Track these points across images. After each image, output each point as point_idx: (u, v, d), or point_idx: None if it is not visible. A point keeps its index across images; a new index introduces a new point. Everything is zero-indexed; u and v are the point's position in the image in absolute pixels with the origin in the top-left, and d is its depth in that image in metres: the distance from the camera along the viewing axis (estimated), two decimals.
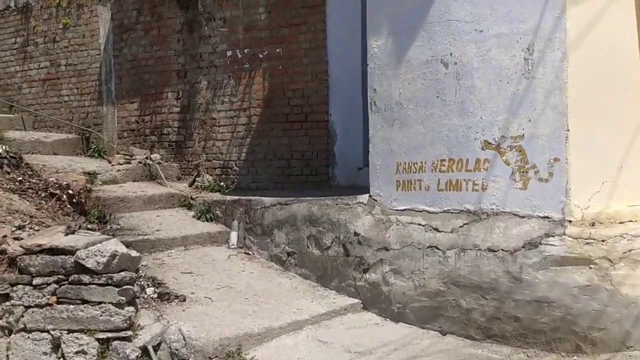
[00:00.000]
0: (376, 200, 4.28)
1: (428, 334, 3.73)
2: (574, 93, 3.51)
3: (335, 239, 4.46)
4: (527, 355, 3.34)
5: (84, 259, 3.49)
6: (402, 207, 4.10)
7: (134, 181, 6.79)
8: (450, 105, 3.86)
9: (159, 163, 7.09)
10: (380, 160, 4.28)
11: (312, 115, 6.33)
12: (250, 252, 5.25)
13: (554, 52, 3.53)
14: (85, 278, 3.50)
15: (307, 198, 4.85)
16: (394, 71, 4.17)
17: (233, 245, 5.40)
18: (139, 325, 3.58)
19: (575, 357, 3.29)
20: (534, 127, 3.57)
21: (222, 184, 6.81)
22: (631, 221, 3.54)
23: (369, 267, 4.18)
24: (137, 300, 3.71)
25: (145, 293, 3.96)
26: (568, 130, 3.48)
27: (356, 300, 4.22)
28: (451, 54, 3.86)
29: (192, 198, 6.28)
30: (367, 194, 4.36)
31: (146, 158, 7.15)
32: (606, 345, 3.27)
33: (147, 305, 3.83)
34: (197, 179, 6.95)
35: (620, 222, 3.50)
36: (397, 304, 3.97)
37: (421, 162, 3.99)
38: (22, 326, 3.53)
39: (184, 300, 4.00)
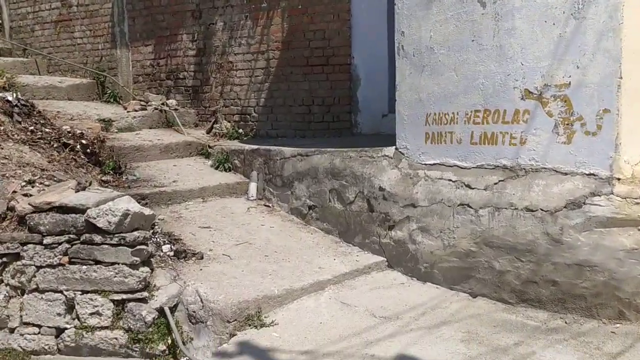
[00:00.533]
0: (403, 154, 3.99)
1: (457, 295, 3.53)
2: (628, 35, 3.12)
3: (358, 193, 4.22)
4: (566, 322, 3.12)
5: (94, 218, 3.32)
6: (432, 162, 3.81)
7: (150, 128, 6.57)
8: (487, 49, 3.48)
9: (175, 109, 6.85)
10: (407, 110, 3.95)
11: (333, 58, 5.97)
12: (270, 205, 5.06)
13: None
14: (97, 238, 3.34)
15: (328, 149, 4.58)
16: (424, 12, 3.77)
17: (252, 197, 5.20)
18: (154, 286, 3.45)
19: (617, 324, 3.06)
20: (583, 74, 3.19)
21: (240, 130, 6.57)
22: None
23: (394, 224, 3.95)
24: (152, 259, 3.56)
25: (162, 251, 3.81)
26: (621, 77, 3.11)
27: (381, 258, 4.02)
28: None
29: (209, 146, 6.06)
30: (393, 146, 4.07)
31: (162, 104, 6.90)
32: None
33: (163, 264, 3.68)
34: (214, 125, 6.70)
35: None
36: (425, 263, 3.75)
37: (453, 113, 3.66)
38: (34, 286, 3.42)
39: (202, 258, 3.84)
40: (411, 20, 3.86)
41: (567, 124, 3.24)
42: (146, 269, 3.41)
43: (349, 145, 4.93)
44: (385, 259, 4.01)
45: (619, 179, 3.12)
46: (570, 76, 3.23)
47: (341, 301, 3.47)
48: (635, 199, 3.07)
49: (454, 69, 3.63)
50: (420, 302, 3.42)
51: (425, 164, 3.85)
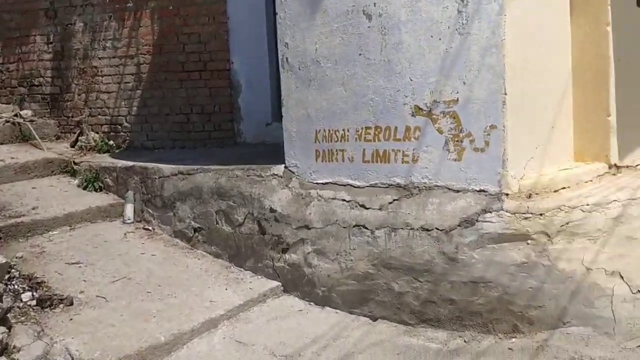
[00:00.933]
0: (293, 172, 3.79)
1: (358, 320, 3.41)
2: (510, 51, 3.15)
3: (248, 214, 3.95)
4: (465, 340, 3.12)
5: None
6: (324, 181, 3.64)
7: (1, 144, 5.75)
8: (375, 64, 3.37)
9: (31, 120, 6.06)
10: (295, 126, 3.75)
11: (211, 63, 5.60)
12: (150, 228, 4.62)
13: (491, 3, 3.10)
14: None
15: (212, 167, 4.24)
16: (308, 23, 3.57)
17: (129, 219, 4.72)
18: (14, 348, 2.92)
19: (513, 339, 3.11)
20: (469, 90, 3.18)
21: (111, 142, 5.98)
22: (564, 188, 3.34)
23: (288, 247, 3.74)
24: (9, 315, 3.03)
25: (21, 301, 3.27)
26: (505, 93, 3.13)
27: (276, 283, 3.79)
28: (375, 3, 3.33)
29: (75, 163, 5.42)
30: (282, 165, 3.85)
31: (15, 115, 6.07)
32: (543, 323, 3.11)
33: (24, 318, 3.15)
34: (80, 138, 6.03)
35: (555, 191, 3.29)
36: (322, 287, 3.59)
37: (344, 130, 3.52)
38: None
39: (71, 304, 3.36)
40: (295, 32, 3.64)
41: (457, 141, 3.22)
42: (1, 328, 2.88)
43: (233, 157, 4.64)
44: (281, 284, 3.79)
45: (507, 195, 3.16)
46: (457, 92, 3.20)
47: (237, 340, 3.19)
48: (523, 213, 3.13)
49: (342, 84, 3.48)
50: (321, 333, 3.25)
51: (317, 183, 3.67)
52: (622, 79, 3.60)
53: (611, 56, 3.54)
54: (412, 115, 3.30)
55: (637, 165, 3.81)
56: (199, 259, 4.16)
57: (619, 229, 3.15)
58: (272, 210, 3.80)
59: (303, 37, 3.62)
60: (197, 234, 4.29)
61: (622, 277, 3.12)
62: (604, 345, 2.88)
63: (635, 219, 3.18)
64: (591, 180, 3.50)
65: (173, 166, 4.51)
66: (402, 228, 3.30)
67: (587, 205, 3.13)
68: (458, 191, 3.24)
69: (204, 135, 5.71)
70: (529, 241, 3.11)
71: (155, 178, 4.55)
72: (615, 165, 3.63)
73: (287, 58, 3.72)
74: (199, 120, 5.70)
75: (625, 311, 3.09)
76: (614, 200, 3.18)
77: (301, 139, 3.72)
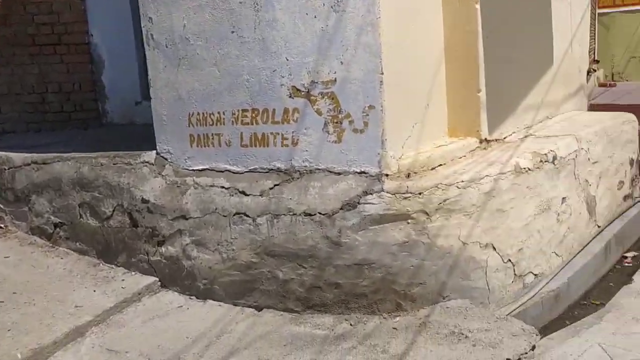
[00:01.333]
0: (166, 159, 3.50)
1: (243, 312, 3.26)
2: (386, 29, 3.09)
3: (117, 206, 3.61)
4: (351, 324, 3.10)
5: None
6: (200, 167, 3.41)
7: None
8: (250, 42, 3.16)
9: None
10: (166, 109, 3.45)
11: (66, 36, 5.03)
12: (2, 225, 4.10)
13: None
14: None
15: (73, 155, 3.82)
16: None
17: None
18: None
19: (397, 317, 3.15)
20: (347, 70, 3.09)
21: None
22: (441, 165, 3.41)
23: (165, 240, 3.48)
24: None
25: None
26: (382, 73, 3.08)
27: (152, 279, 3.53)
28: None
29: None
30: (154, 151, 3.54)
31: None
32: (425, 299, 3.18)
33: None
34: None
35: (432, 169, 3.35)
36: (203, 280, 3.39)
37: (219, 113, 3.29)
38: None
39: None
40: (159, 5, 3.32)
41: (336, 122, 3.14)
42: None
43: (99, 141, 4.23)
44: (158, 279, 3.53)
45: (387, 175, 3.15)
46: (335, 72, 3.10)
47: (108, 348, 2.91)
48: (403, 193, 3.14)
49: (215, 64, 3.24)
50: (203, 330, 3.07)
51: (193, 170, 3.43)
52: (491, 55, 3.72)
53: (479, 32, 3.63)
54: (290, 97, 3.16)
55: (504, 138, 4.00)
56: (61, 258, 3.76)
57: (490, 203, 3.27)
58: (144, 201, 3.50)
59: (169, 12, 3.31)
60: (58, 229, 3.86)
61: (494, 248, 3.27)
62: (480, 316, 3.00)
63: (505, 192, 3.33)
64: (464, 156, 3.60)
65: (26, 154, 4.00)
66: (284, 214, 3.18)
67: (462, 182, 3.21)
68: (339, 174, 3.17)
69: (63, 116, 5.16)
70: (409, 220, 3.14)
71: (5, 169, 4.02)
72: (485, 139, 3.77)
73: (152, 34, 3.39)
74: (56, 99, 5.13)
75: (498, 280, 3.26)
76: (486, 176, 3.30)
77: (173, 122, 3.44)
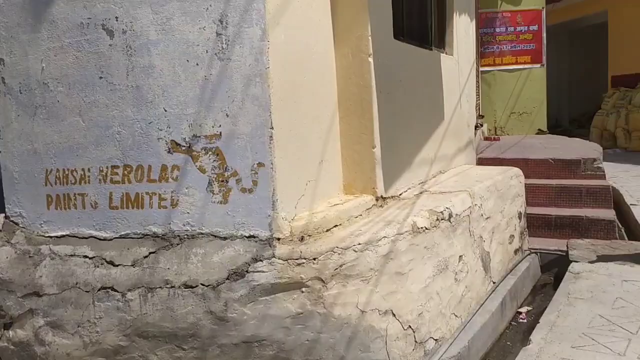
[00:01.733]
0: (17, 224, 2.96)
1: None
2: (276, 81, 2.86)
3: None
4: None
5: None
6: (59, 233, 2.91)
7: None
8: (121, 90, 2.78)
9: None
10: (18, 165, 2.94)
11: None
12: None
13: (252, 27, 2.78)
14: None
15: None
16: (31, 35, 2.83)
17: None
18: None
19: None
20: (233, 123, 2.81)
21: None
22: (337, 226, 3.18)
23: (12, 321, 2.89)
24: None
25: None
26: (272, 128, 2.83)
27: None
28: (117, 17, 2.75)
29: None
30: (2, 215, 2.99)
31: None
32: None
33: None
34: None
35: (328, 230, 3.10)
36: None
37: (83, 170, 2.84)
38: None
39: None
40: (13, 45, 2.86)
41: (222, 181, 2.81)
42: None
43: None
44: None
45: (279, 239, 2.85)
46: (220, 126, 2.80)
47: None
48: (297, 259, 2.85)
49: (80, 113, 2.81)
50: None
51: (50, 237, 2.91)
52: (385, 109, 3.62)
53: (373, 86, 3.52)
54: (169, 152, 2.79)
55: (400, 195, 3.88)
56: None
57: (389, 266, 3.07)
58: None
59: (25, 53, 2.85)
60: None
61: (394, 315, 3.05)
62: None
63: (403, 254, 3.15)
64: (361, 215, 3.41)
65: None
66: (160, 287, 2.75)
67: (359, 244, 2.98)
68: (225, 238, 2.82)
69: None
70: (303, 289, 2.84)
71: None
72: (381, 197, 3.62)
73: (2, 78, 2.89)
74: None
75: (399, 350, 3.02)
76: (383, 237, 3.10)
77: (27, 181, 2.93)
